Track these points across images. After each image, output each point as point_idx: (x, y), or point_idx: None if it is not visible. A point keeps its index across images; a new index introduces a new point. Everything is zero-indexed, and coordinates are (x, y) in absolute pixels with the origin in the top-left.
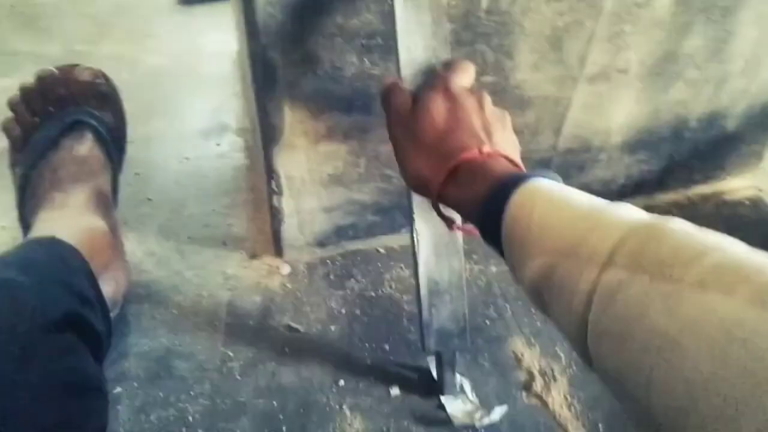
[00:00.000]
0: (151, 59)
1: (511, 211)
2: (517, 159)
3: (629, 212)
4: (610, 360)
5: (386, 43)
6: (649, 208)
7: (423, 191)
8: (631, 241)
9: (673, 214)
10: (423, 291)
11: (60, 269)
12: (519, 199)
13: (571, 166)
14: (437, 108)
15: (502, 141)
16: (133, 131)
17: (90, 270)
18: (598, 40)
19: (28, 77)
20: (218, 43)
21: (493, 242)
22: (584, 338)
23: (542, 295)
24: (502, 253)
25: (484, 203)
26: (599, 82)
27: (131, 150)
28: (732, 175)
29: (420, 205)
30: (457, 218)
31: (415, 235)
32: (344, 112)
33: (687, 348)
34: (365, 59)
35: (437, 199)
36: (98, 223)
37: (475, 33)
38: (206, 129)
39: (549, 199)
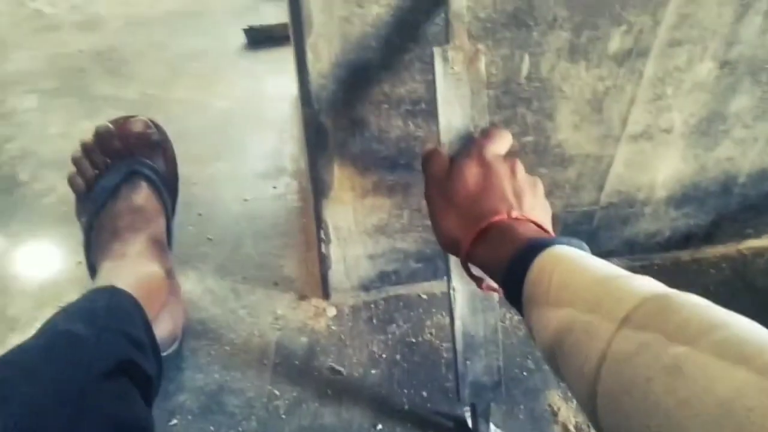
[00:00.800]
0: (218, 103)
1: (531, 274)
2: (547, 225)
3: (647, 283)
4: (615, 431)
5: (430, 108)
6: (697, 261)
7: (453, 250)
8: (646, 307)
9: (723, 268)
10: (458, 345)
11: (118, 317)
12: (540, 262)
13: (615, 220)
14: (471, 172)
15: (532, 207)
16: (199, 173)
17: (145, 316)
18: (639, 103)
19: (106, 120)
20: (279, 86)
21: (516, 304)
22: (594, 405)
23: (556, 357)
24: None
25: (508, 265)
26: (642, 140)
27: (196, 191)
28: None
29: (457, 262)
30: (486, 277)
31: (451, 292)
32: (389, 169)
33: (684, 428)
34: (410, 123)
35: (466, 258)
36: (154, 269)
37: (515, 98)
38: (265, 171)
39: (569, 265)
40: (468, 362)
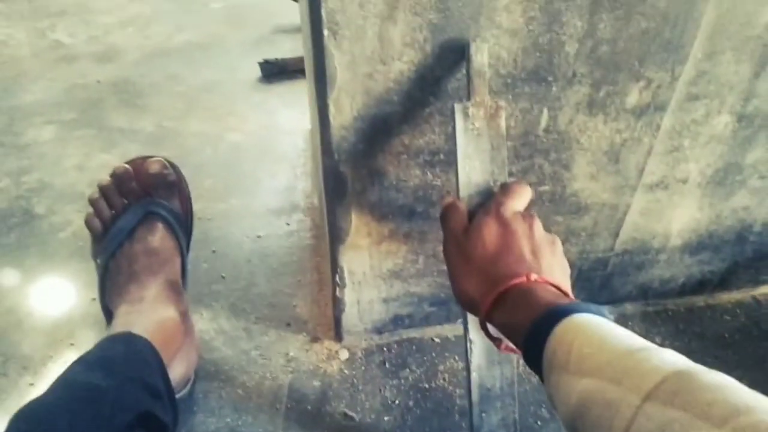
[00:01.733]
0: (232, 136)
1: (552, 342)
2: (566, 286)
3: (670, 357)
4: None
5: (448, 159)
6: (711, 307)
7: (471, 310)
8: (670, 383)
9: (738, 314)
10: (474, 396)
11: (136, 366)
12: (561, 331)
13: (630, 266)
14: (489, 231)
15: (550, 266)
16: (213, 208)
17: (162, 363)
18: (656, 154)
19: (122, 156)
20: (293, 120)
21: (535, 367)
22: None
23: (577, 427)
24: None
25: (528, 330)
26: (658, 190)
27: (210, 227)
28: None
29: (474, 317)
30: (504, 338)
31: (468, 344)
32: (406, 217)
33: None
34: (428, 172)
35: (485, 319)
36: (170, 312)
37: (533, 149)
38: (278, 207)
39: (591, 335)
40: (483, 414)
